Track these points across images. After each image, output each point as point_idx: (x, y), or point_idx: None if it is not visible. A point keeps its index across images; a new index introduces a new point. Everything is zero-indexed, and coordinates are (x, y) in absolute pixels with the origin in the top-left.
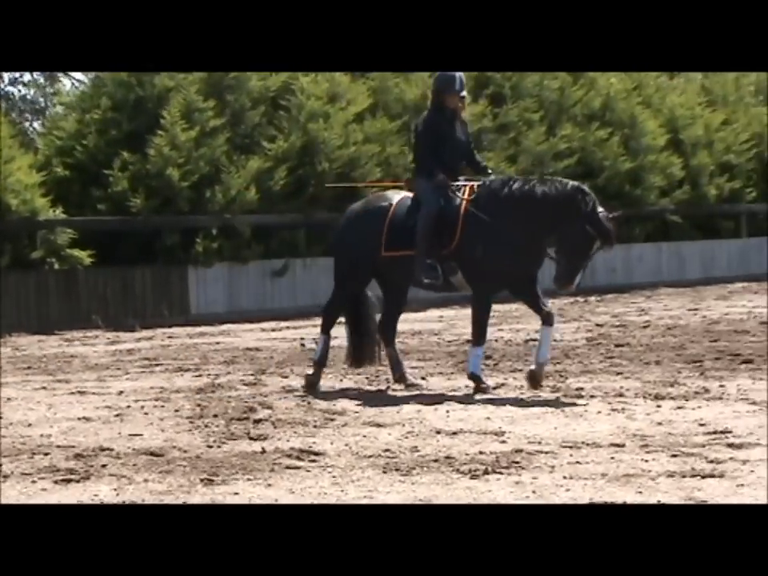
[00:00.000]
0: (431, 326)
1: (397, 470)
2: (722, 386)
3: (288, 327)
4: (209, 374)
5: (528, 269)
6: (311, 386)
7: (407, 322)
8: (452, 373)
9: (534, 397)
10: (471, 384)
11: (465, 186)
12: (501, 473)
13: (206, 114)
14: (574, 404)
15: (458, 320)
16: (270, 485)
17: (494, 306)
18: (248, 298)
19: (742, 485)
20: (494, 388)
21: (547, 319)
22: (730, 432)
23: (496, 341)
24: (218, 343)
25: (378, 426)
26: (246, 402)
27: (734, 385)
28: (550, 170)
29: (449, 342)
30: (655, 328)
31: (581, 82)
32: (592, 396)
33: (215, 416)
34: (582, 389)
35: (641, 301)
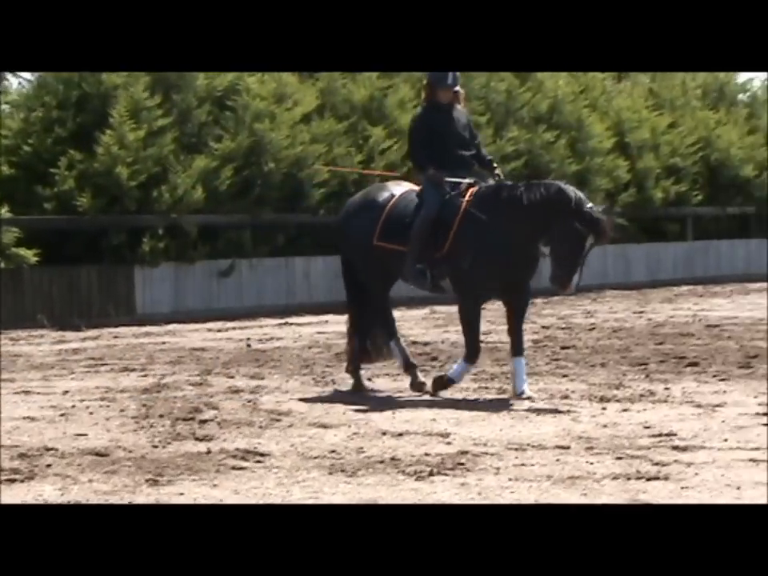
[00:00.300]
0: None
1: (342, 471)
2: (666, 388)
3: (234, 327)
4: (154, 374)
5: (519, 275)
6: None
7: None
8: (398, 374)
9: (479, 398)
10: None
11: (463, 186)
12: (446, 474)
13: (153, 113)
14: (520, 406)
15: (403, 321)
16: (215, 485)
17: (440, 309)
18: (194, 298)
19: (687, 487)
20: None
21: (517, 350)
22: (675, 434)
23: (442, 342)
24: (163, 343)
25: (324, 426)
26: (191, 402)
27: (679, 387)
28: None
29: None
30: (601, 330)
31: (528, 84)
32: (537, 398)
33: (161, 416)
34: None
35: (587, 303)
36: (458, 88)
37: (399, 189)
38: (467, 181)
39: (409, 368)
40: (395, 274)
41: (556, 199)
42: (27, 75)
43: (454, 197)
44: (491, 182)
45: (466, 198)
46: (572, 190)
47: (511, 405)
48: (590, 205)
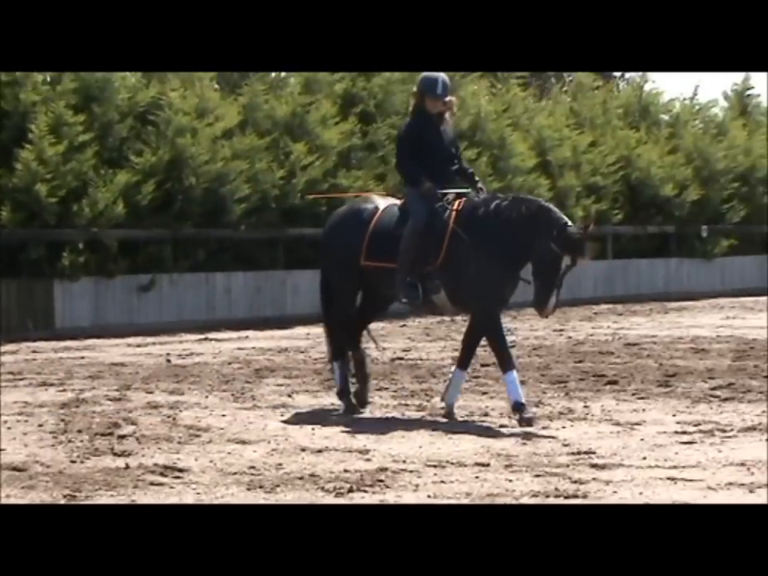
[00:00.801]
0: (298, 344)
1: (261, 487)
2: (586, 406)
3: (154, 343)
4: (73, 389)
5: (503, 291)
6: (355, 411)
7: (273, 339)
8: (318, 390)
9: (399, 415)
10: (338, 402)
11: (454, 197)
12: (365, 491)
13: (74, 129)
14: (439, 423)
15: (324, 338)
16: (133, 501)
17: None
18: (114, 313)
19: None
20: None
21: (465, 364)
22: (594, 453)
23: None
24: (83, 358)
25: (243, 443)
26: (110, 417)
27: (598, 405)
28: None
29: (315, 359)
30: (521, 348)
31: None
32: (457, 415)
33: (79, 431)
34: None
35: (507, 321)
36: (448, 98)
37: (384, 202)
38: (455, 191)
39: (342, 394)
40: (384, 293)
41: (535, 218)
42: None
43: (442, 208)
44: (481, 193)
45: (455, 207)
46: (550, 210)
47: (430, 422)
48: (568, 224)
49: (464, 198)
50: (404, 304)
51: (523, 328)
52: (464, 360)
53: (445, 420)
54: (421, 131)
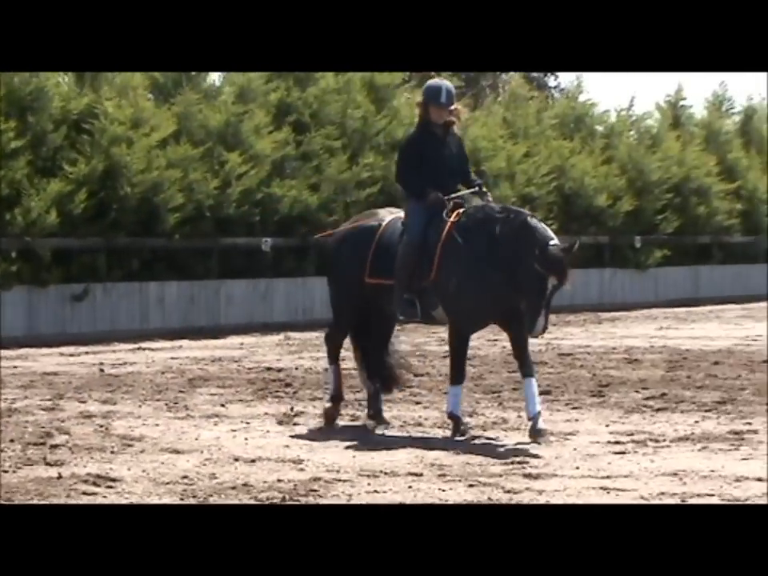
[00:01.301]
0: (231, 353)
1: (194, 496)
2: (519, 416)
3: (87, 352)
4: (5, 399)
5: (512, 300)
6: (330, 420)
7: (207, 348)
8: (251, 400)
9: (332, 425)
10: (278, 412)
11: (449, 207)
12: (298, 501)
13: (6, 136)
14: (372, 433)
15: (258, 347)
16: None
17: (295, 335)
18: (47, 322)
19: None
20: (294, 416)
21: (527, 371)
22: (527, 462)
23: (296, 368)
24: (15, 367)
25: (176, 452)
26: (43, 427)
27: None
28: (352, 198)
29: (249, 369)
30: None
31: (384, 111)
32: (391, 425)
33: (11, 441)
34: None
35: (441, 331)
36: (453, 106)
37: (389, 216)
38: (453, 196)
39: (376, 416)
40: (388, 310)
41: (518, 236)
42: None
43: (438, 220)
44: (478, 202)
45: (451, 219)
46: (533, 227)
47: (364, 431)
48: (550, 243)
49: (461, 210)
50: (402, 321)
51: None
52: (523, 369)
53: (378, 430)
54: (423, 144)
